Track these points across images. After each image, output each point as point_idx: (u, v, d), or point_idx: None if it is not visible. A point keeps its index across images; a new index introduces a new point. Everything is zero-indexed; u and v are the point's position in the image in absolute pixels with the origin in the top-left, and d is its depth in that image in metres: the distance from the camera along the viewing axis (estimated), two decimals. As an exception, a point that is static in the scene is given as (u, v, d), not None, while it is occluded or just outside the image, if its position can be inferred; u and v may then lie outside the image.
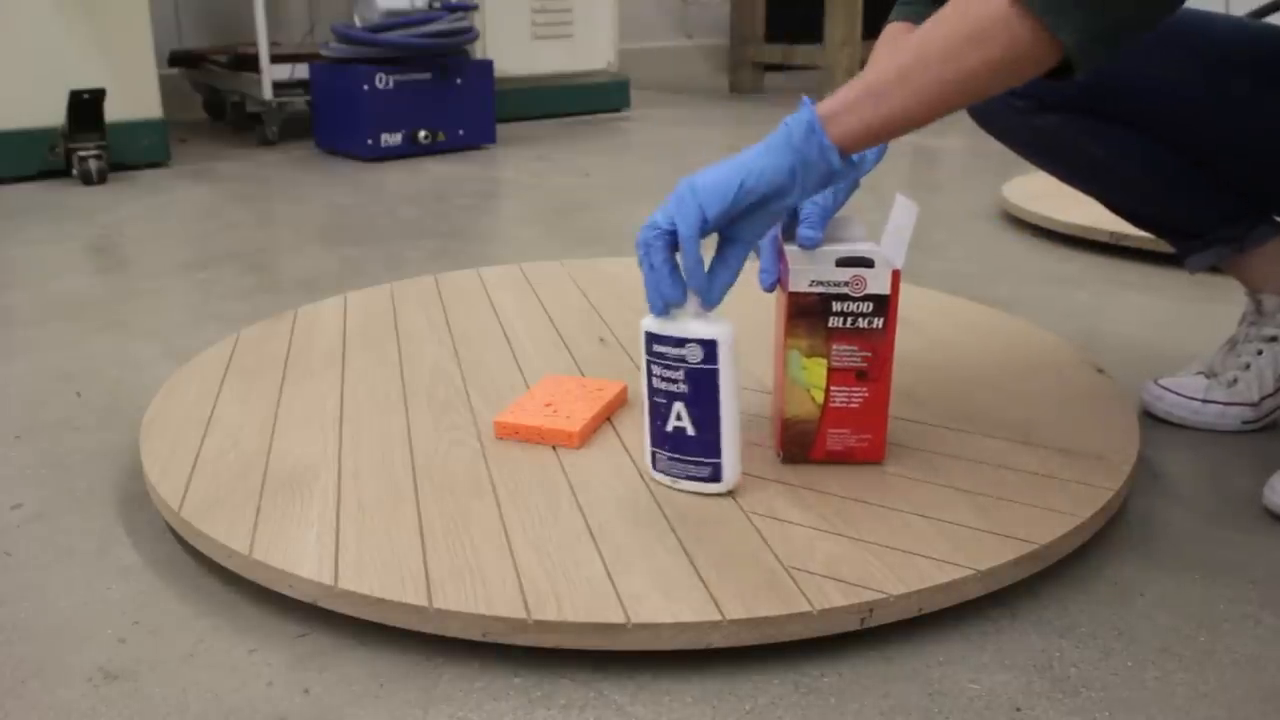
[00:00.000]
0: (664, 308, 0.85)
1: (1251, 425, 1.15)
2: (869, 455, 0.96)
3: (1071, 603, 0.85)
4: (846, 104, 0.80)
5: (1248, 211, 1.14)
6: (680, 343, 0.87)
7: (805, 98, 0.82)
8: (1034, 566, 0.85)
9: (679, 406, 0.89)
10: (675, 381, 0.88)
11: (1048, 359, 1.23)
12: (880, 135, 0.80)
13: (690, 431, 0.90)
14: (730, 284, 0.85)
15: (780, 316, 0.95)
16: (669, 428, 0.90)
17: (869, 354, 0.92)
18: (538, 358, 1.24)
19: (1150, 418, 1.18)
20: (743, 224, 0.83)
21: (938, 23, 0.78)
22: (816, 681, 0.76)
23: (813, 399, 0.94)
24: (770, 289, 0.94)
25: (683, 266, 0.83)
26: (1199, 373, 1.18)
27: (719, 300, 0.86)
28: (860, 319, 0.91)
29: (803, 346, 0.92)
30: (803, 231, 0.91)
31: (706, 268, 0.84)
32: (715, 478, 0.91)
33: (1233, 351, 1.17)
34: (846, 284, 0.90)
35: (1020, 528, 0.86)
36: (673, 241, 0.83)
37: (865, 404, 0.94)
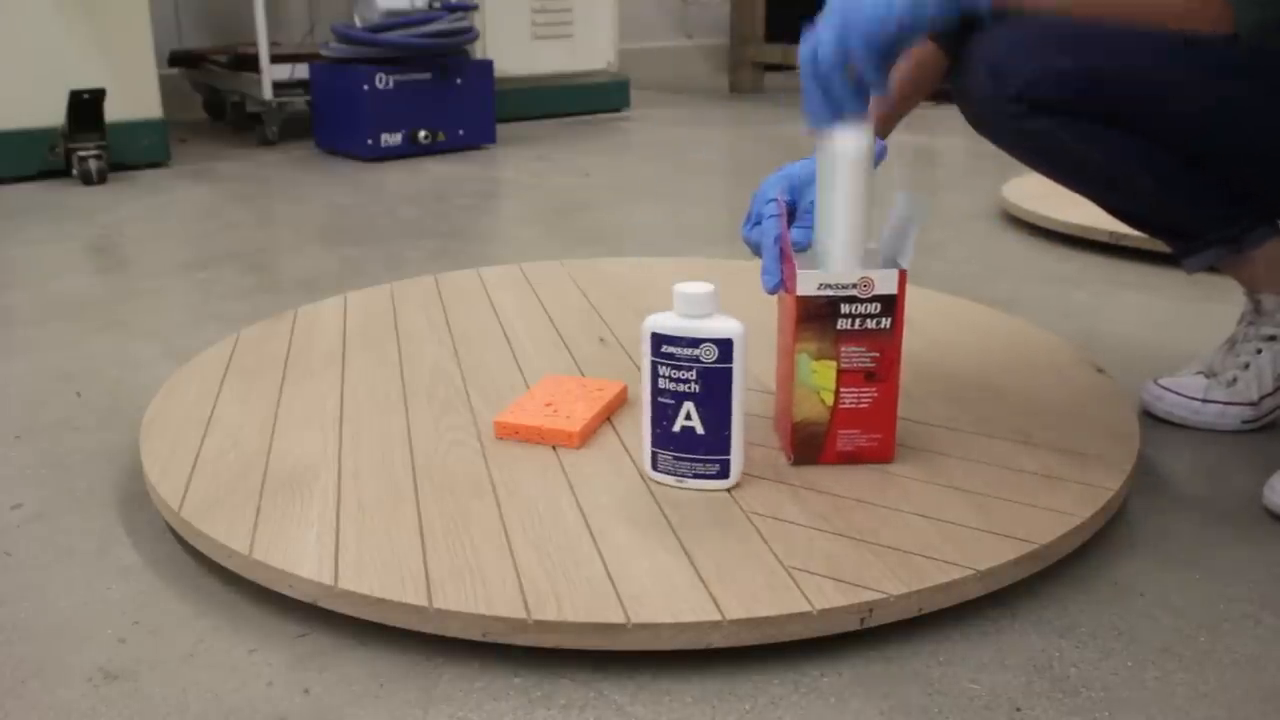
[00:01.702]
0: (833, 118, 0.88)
1: (1251, 425, 1.15)
2: (878, 455, 0.96)
3: (1071, 603, 0.85)
4: None
5: (1245, 213, 1.14)
6: (694, 343, 0.87)
7: None
8: (1034, 566, 0.85)
9: (689, 406, 0.89)
10: (686, 381, 0.89)
11: (1047, 359, 1.23)
12: (1030, 13, 0.84)
13: (700, 430, 0.90)
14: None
15: (786, 320, 0.94)
16: (676, 428, 0.90)
17: (877, 354, 0.92)
18: (538, 358, 1.24)
19: (1150, 418, 1.18)
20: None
21: None
22: (816, 681, 0.76)
23: (822, 401, 0.94)
24: (773, 292, 0.94)
25: (858, 79, 0.87)
26: (1198, 372, 1.18)
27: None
28: (868, 320, 0.91)
29: (811, 350, 0.92)
30: (793, 233, 0.91)
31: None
32: (724, 474, 0.91)
33: (1232, 351, 1.17)
34: (854, 286, 0.90)
35: (1020, 528, 0.86)
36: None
37: (874, 404, 0.94)
